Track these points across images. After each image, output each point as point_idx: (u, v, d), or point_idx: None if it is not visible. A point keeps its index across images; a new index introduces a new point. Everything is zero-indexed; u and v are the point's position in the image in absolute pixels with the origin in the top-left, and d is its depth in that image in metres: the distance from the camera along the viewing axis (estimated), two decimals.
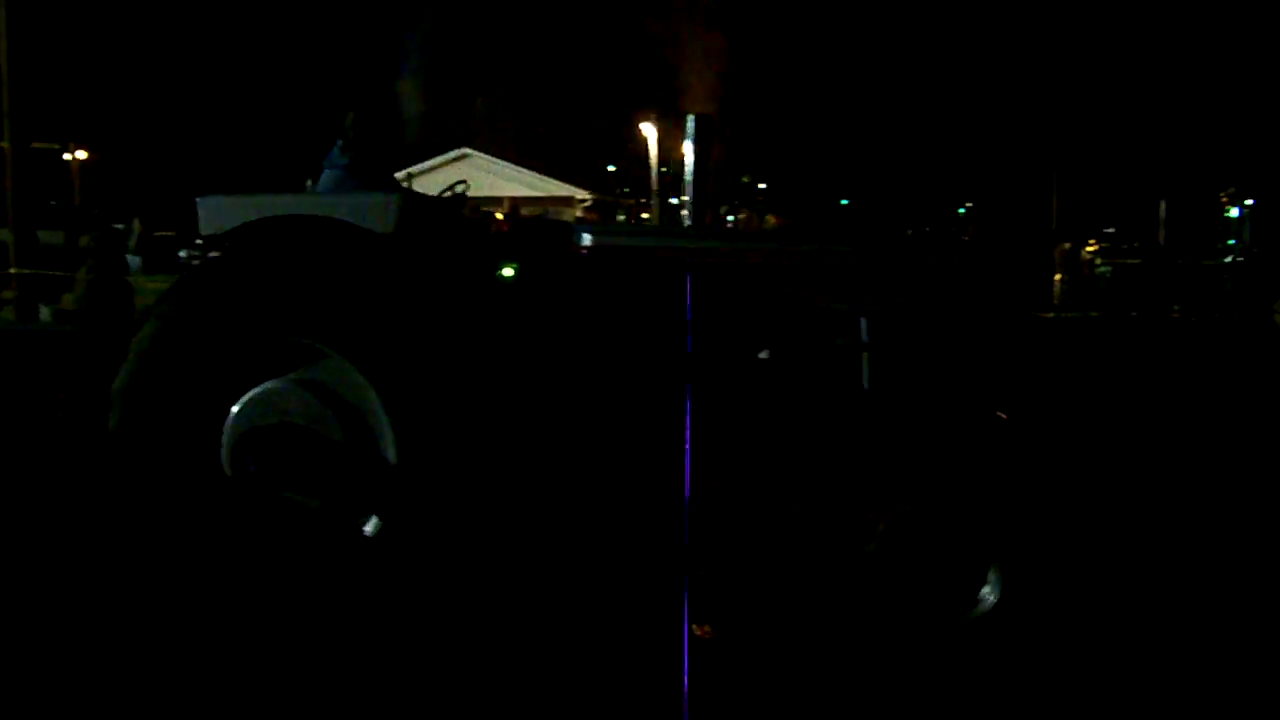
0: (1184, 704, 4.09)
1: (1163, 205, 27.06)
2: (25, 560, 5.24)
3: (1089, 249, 28.65)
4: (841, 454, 4.60)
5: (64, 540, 5.44)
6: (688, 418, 4.49)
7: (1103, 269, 26.90)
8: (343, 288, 4.55)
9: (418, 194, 4.91)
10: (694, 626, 4.46)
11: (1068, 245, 27.00)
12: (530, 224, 5.62)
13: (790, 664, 4.31)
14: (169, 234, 46.09)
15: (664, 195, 35.07)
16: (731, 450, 4.72)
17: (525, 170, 37.29)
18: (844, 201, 47.25)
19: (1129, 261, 26.44)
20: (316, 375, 4.64)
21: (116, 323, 18.01)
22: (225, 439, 4.64)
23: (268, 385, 4.64)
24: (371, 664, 4.15)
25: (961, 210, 53.41)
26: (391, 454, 4.56)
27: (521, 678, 4.14)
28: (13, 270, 19.16)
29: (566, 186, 38.39)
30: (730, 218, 41.49)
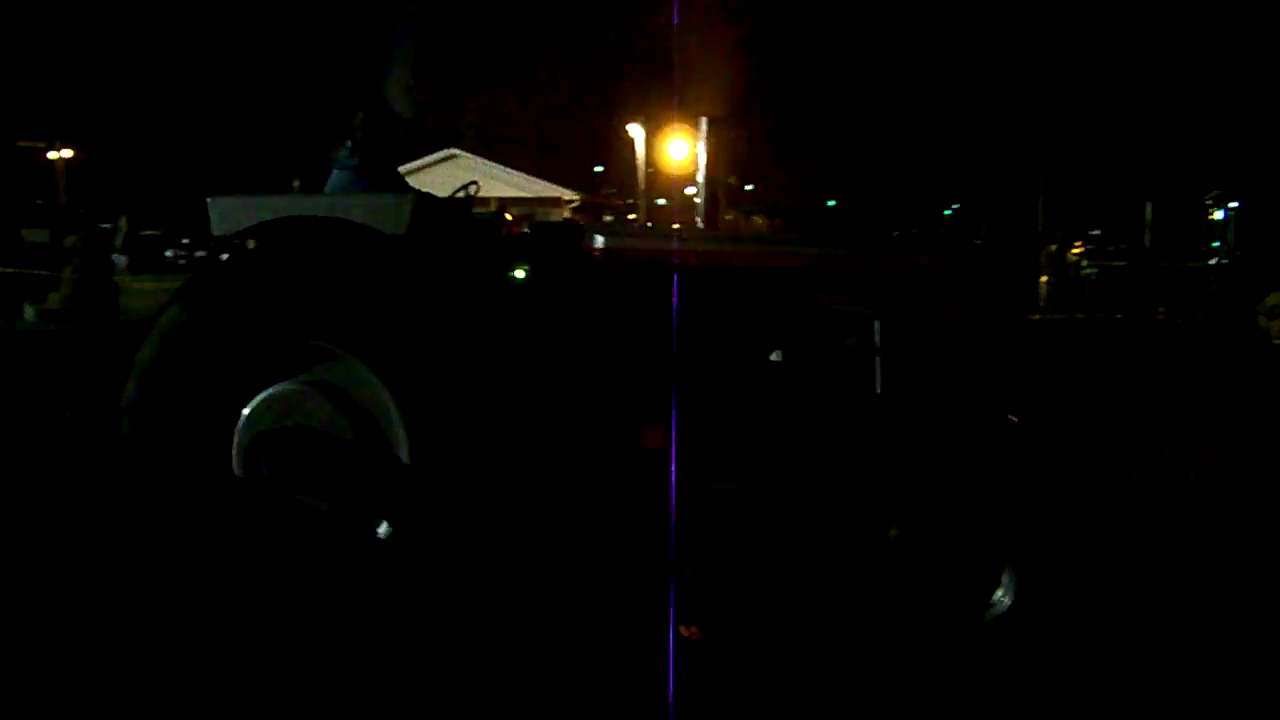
0: (1198, 706, 4.11)
1: (1148, 207, 27.23)
2: (36, 564, 5.22)
3: (1075, 251, 28.74)
4: (853, 456, 4.61)
5: (74, 543, 5.42)
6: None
7: (1088, 271, 27.00)
8: (356, 289, 4.53)
9: (430, 195, 4.89)
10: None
11: (1054, 247, 27.08)
12: (543, 226, 5.61)
13: (792, 667, 4.31)
14: (155, 233, 45.99)
15: (650, 196, 35.06)
16: (740, 452, 4.73)
17: (512, 171, 37.25)
18: (831, 203, 47.37)
19: (1114, 263, 26.57)
20: (329, 377, 4.62)
21: (103, 322, 17.97)
22: (237, 441, 4.62)
23: (280, 387, 4.62)
24: (371, 664, 4.15)
25: (948, 212, 53.61)
26: (405, 456, 4.54)
27: (525, 677, 4.14)
28: None
29: (554, 187, 38.36)
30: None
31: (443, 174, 25.07)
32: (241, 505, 4.60)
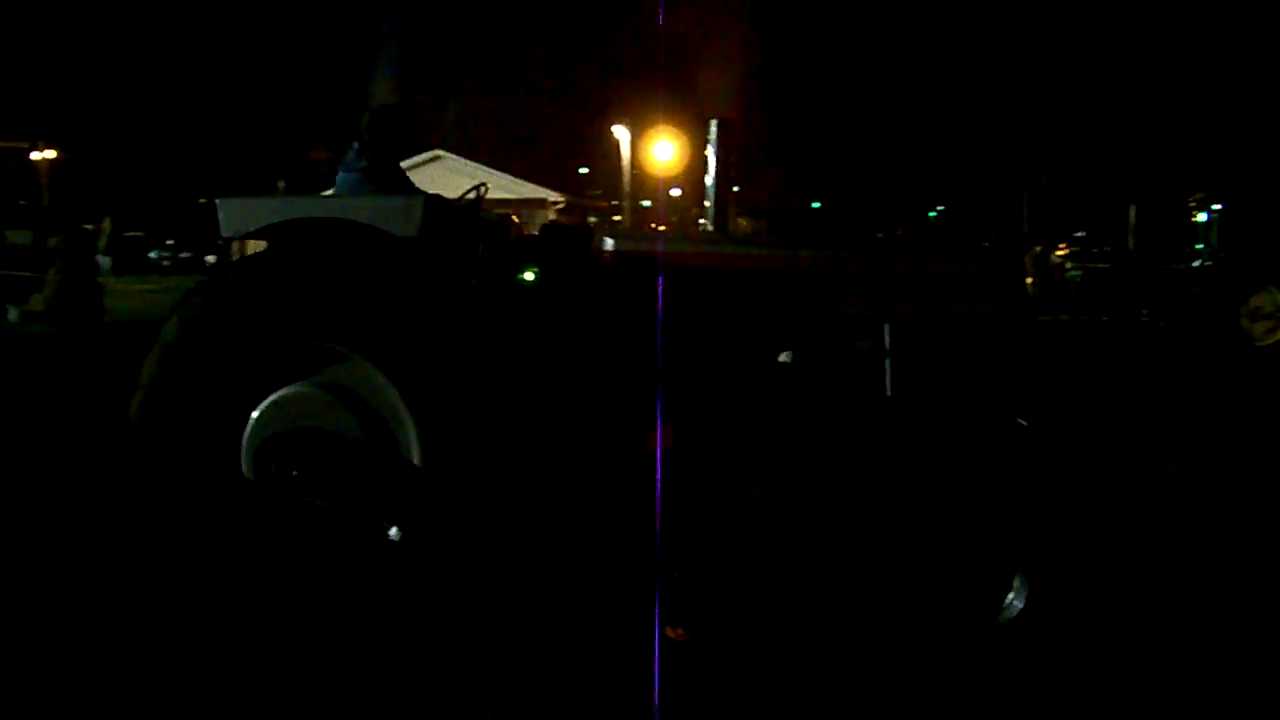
0: (1209, 708, 4.13)
1: (1132, 210, 27.35)
2: (45, 567, 5.20)
3: (1059, 253, 28.83)
4: (864, 460, 4.61)
5: (83, 545, 5.40)
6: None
7: (1073, 273, 27.06)
8: (367, 291, 4.52)
9: (439, 197, 4.88)
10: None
11: (1038, 249, 27.18)
12: (553, 229, 5.60)
13: (783, 669, 4.32)
14: (139, 234, 45.75)
15: (635, 198, 35.10)
16: (753, 454, 4.74)
17: (498, 172, 37.22)
18: (815, 205, 47.42)
19: (1099, 265, 26.64)
20: (339, 379, 4.61)
21: (87, 324, 17.88)
22: (246, 444, 4.60)
23: (290, 389, 4.60)
24: (371, 664, 4.15)
25: (932, 214, 53.78)
26: (415, 459, 4.53)
27: (517, 677, 4.15)
28: None
29: (540, 189, 38.35)
30: (701, 221, 41.53)
31: (428, 175, 25.00)
32: (251, 508, 4.59)
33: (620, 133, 34.31)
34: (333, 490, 4.56)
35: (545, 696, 4.01)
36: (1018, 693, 4.17)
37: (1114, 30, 41.36)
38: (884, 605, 4.42)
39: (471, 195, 5.16)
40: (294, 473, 4.56)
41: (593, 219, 40.20)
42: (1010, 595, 4.39)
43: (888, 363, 4.69)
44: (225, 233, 4.76)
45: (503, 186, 35.69)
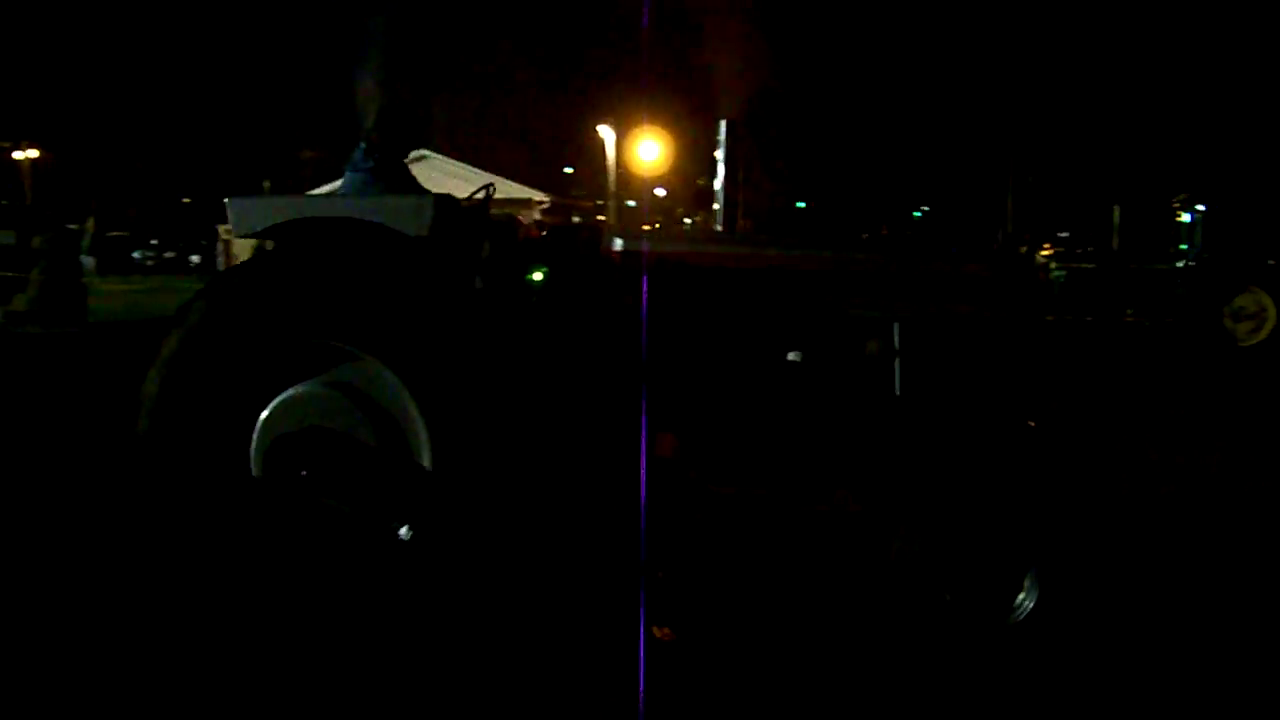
0: (1220, 707, 4.16)
1: (1116, 210, 27.49)
2: (52, 565, 5.18)
3: (1043, 253, 28.97)
4: (873, 460, 4.63)
5: (92, 544, 5.38)
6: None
7: (1057, 273, 27.18)
8: (377, 291, 4.51)
9: (449, 196, 4.88)
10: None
11: (1023, 249, 27.31)
12: (562, 229, 5.61)
13: (775, 670, 4.33)
14: (122, 234, 45.51)
15: (619, 197, 35.08)
16: (761, 454, 4.75)
17: (483, 172, 37.14)
18: (800, 204, 47.53)
19: (1083, 266, 26.74)
20: (349, 379, 4.60)
21: (71, 324, 17.79)
22: (256, 443, 4.59)
23: (300, 389, 4.59)
24: (372, 664, 4.16)
25: (917, 214, 53.94)
26: (426, 458, 4.52)
27: (517, 674, 4.17)
28: None
29: (525, 189, 38.27)
30: (687, 220, 41.55)
31: (415, 175, 24.94)
32: (260, 507, 4.57)
33: (605, 133, 34.32)
34: (343, 490, 4.54)
35: (532, 695, 4.03)
36: (1029, 692, 4.19)
37: (1099, 31, 41.57)
38: (892, 605, 4.44)
39: (480, 195, 5.16)
40: (304, 473, 4.55)
41: (576, 219, 40.19)
42: (1021, 595, 4.41)
43: (897, 363, 4.71)
44: (236, 232, 4.74)
45: None
